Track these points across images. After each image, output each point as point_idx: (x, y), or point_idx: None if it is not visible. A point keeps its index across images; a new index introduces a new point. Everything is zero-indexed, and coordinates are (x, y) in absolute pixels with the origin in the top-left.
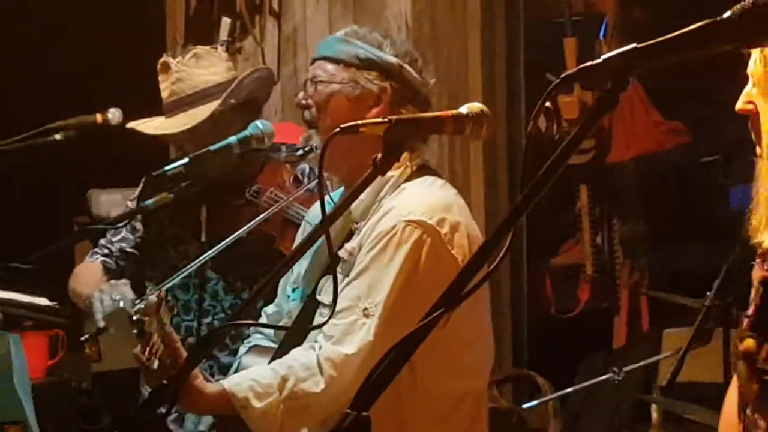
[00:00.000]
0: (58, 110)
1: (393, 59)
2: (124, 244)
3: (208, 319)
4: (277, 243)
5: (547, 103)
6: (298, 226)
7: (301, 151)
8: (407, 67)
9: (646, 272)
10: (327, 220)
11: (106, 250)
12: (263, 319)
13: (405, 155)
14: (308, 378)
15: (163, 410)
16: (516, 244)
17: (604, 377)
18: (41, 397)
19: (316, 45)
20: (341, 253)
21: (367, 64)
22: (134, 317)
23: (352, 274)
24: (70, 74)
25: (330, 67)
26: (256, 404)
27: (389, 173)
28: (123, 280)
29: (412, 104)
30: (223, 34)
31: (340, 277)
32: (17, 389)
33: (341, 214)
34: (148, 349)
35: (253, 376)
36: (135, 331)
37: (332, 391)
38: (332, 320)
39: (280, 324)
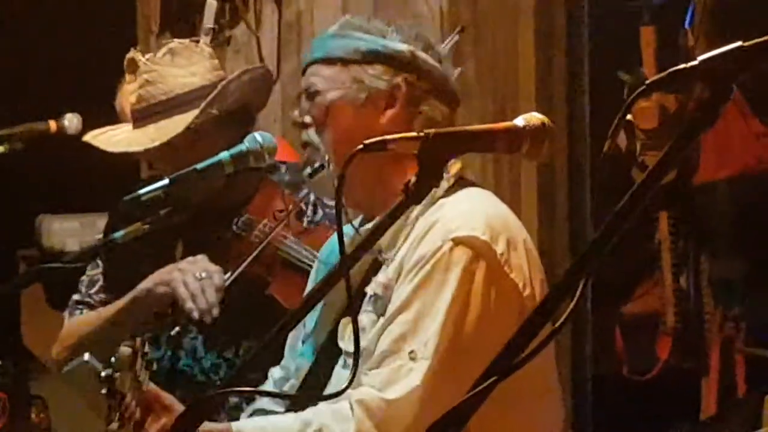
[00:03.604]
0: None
1: (402, 46)
2: (104, 295)
3: (183, 383)
4: (270, 288)
5: (628, 116)
6: (295, 267)
7: (309, 170)
8: (421, 53)
9: (743, 324)
10: (346, 262)
11: (86, 306)
12: (269, 384)
13: None
14: (335, 424)
15: None
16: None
17: None
18: None
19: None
20: (371, 288)
21: (370, 58)
22: (103, 373)
23: (392, 310)
24: (16, 71)
25: (326, 70)
26: None
27: None
28: (200, 255)
29: (436, 98)
30: (209, 20)
31: (372, 317)
32: None
33: (364, 253)
34: (119, 413)
35: (269, 418)
36: (103, 391)
37: None
38: (373, 370)
39: (287, 387)
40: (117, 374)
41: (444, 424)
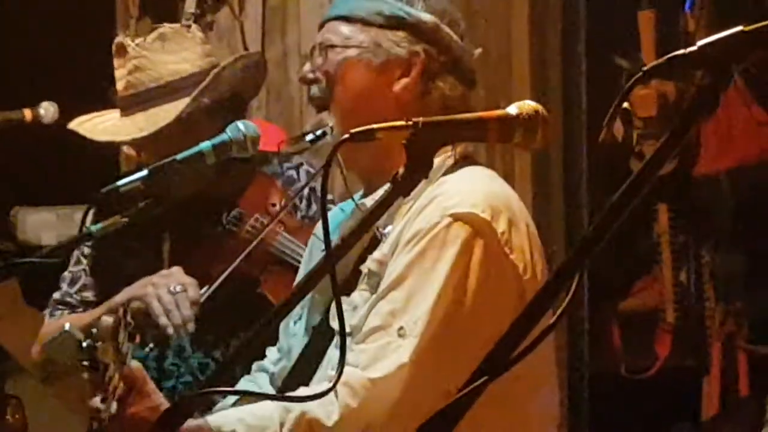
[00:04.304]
0: None
1: (427, 17)
2: (87, 294)
3: (170, 383)
4: (261, 286)
5: (625, 104)
6: (287, 264)
7: (311, 136)
8: (446, 28)
9: (745, 320)
10: (333, 252)
11: (66, 306)
12: (267, 362)
13: None
14: (318, 407)
15: None
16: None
17: None
18: None
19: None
20: (367, 265)
21: (393, 23)
22: (84, 343)
23: (384, 285)
24: None
25: (345, 28)
26: None
27: None
28: (175, 267)
29: (453, 75)
30: (190, 5)
31: (366, 294)
32: None
33: (354, 243)
34: (103, 386)
35: (246, 408)
36: (85, 363)
37: (351, 426)
38: (359, 345)
39: (278, 368)
40: (98, 344)
41: (436, 423)
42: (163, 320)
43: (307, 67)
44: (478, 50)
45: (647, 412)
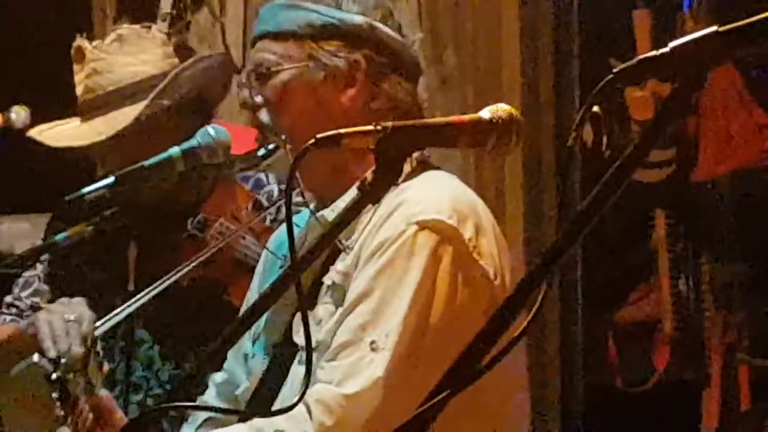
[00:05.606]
0: None
1: (359, 18)
2: (37, 299)
3: (139, 396)
4: (229, 293)
5: (595, 108)
6: (255, 269)
7: (263, 151)
8: (379, 25)
9: (746, 331)
10: (299, 263)
11: (14, 309)
12: (210, 390)
13: None
14: (293, 426)
15: None
16: (567, 293)
17: None
18: None
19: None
20: (330, 277)
21: (326, 32)
22: (53, 375)
23: (350, 298)
24: None
25: (277, 46)
26: None
27: None
28: (78, 298)
29: (397, 73)
30: (166, 5)
31: (330, 308)
32: None
33: (319, 254)
34: (73, 419)
35: None
36: (55, 395)
37: None
38: (330, 362)
39: (239, 392)
40: (69, 376)
41: None
42: (47, 344)
43: (246, 92)
44: (419, 35)
45: (644, 426)
